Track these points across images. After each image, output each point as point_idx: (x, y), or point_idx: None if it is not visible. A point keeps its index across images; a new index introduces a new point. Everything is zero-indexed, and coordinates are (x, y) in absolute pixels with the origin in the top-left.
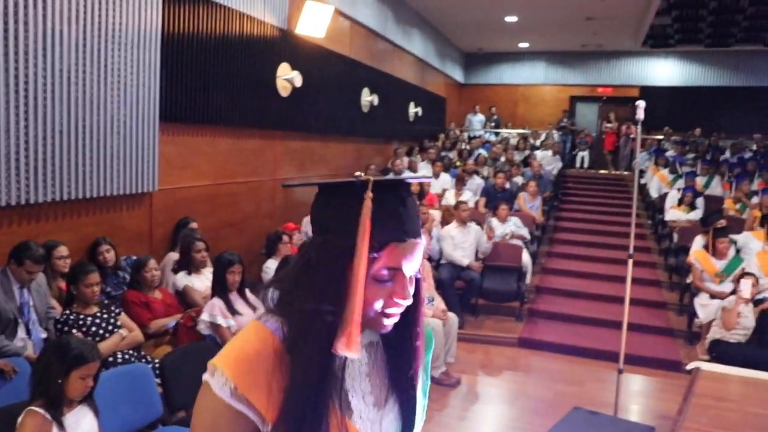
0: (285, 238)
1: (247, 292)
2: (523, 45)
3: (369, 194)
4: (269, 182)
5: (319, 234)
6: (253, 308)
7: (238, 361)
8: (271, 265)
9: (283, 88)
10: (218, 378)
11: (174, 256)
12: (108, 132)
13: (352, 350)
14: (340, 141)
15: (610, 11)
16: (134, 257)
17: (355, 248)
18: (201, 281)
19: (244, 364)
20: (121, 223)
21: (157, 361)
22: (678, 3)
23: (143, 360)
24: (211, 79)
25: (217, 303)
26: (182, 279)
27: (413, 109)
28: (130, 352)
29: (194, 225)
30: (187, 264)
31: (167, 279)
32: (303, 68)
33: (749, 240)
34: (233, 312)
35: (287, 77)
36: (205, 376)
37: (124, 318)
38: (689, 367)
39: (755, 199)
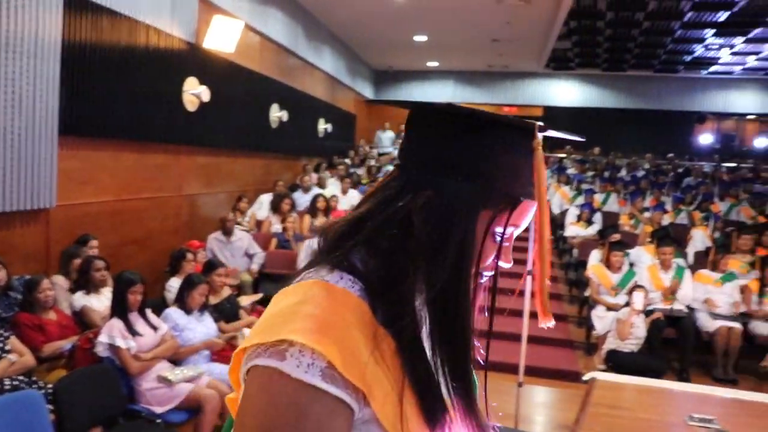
0: (189, 255)
1: (149, 312)
2: (432, 64)
3: (539, 141)
4: (175, 198)
5: (440, 175)
6: (154, 328)
7: (324, 330)
8: (174, 284)
9: (190, 103)
10: (299, 358)
11: (59, 279)
12: (0, 145)
13: (550, 319)
14: (248, 156)
15: (514, 34)
16: (28, 277)
17: (490, 197)
18: (100, 301)
19: (334, 333)
20: (14, 241)
21: (50, 386)
22: (577, 29)
23: (34, 386)
24: (115, 91)
25: (117, 324)
26: (80, 299)
27: (323, 126)
28: (20, 377)
29: (94, 243)
30: (86, 283)
31: (61, 299)
32: (211, 83)
33: (641, 254)
34: (133, 333)
35: (194, 92)
36: (266, 361)
37: (14, 342)
38: (586, 377)
39: (647, 215)
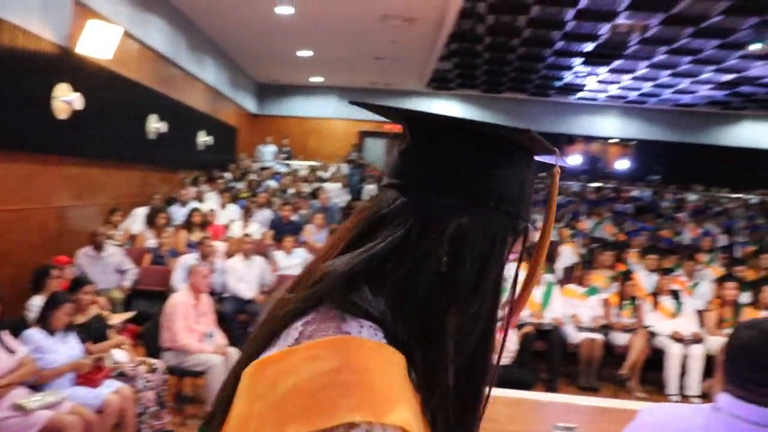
0: (54, 272)
1: (5, 333)
2: (316, 79)
3: (558, 169)
4: (42, 210)
5: (469, 203)
6: (11, 351)
7: (385, 398)
8: (36, 302)
9: (62, 110)
10: None
11: None
12: None
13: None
14: (123, 168)
15: (397, 53)
16: None
17: (517, 225)
18: None
19: (396, 398)
20: None
21: None
22: (457, 51)
23: None
24: None
25: None
26: None
27: (203, 138)
28: None
29: None
30: None
31: None
32: (85, 90)
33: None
34: None
35: (66, 98)
36: None
37: None
38: None
39: None
